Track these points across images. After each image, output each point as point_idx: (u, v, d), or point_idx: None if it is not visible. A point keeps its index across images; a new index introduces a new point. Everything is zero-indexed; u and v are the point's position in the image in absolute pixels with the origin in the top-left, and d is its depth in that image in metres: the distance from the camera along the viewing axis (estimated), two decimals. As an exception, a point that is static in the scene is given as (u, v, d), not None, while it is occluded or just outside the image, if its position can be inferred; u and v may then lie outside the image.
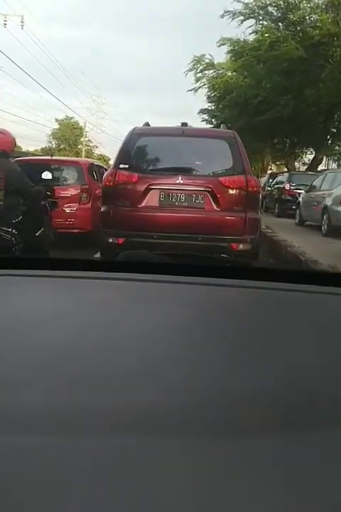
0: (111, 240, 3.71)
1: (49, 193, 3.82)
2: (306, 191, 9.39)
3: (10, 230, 3.18)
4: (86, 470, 0.33)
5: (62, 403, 0.41)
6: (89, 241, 5.37)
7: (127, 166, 3.81)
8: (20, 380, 0.45)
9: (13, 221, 3.25)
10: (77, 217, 4.94)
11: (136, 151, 3.92)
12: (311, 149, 19.06)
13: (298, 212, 9.54)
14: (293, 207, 10.51)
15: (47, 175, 3.98)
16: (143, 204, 3.75)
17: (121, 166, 3.82)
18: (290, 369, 0.51)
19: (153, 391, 0.44)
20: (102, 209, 3.94)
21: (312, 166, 16.37)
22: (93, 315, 0.67)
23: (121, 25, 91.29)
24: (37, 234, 3.63)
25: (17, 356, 0.50)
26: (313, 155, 17.97)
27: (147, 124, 4.61)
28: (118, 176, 3.78)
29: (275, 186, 12.77)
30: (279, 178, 13.25)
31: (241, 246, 3.61)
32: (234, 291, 0.84)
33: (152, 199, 3.75)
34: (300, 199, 9.57)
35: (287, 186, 11.62)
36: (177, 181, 3.72)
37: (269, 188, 13.65)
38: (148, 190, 3.75)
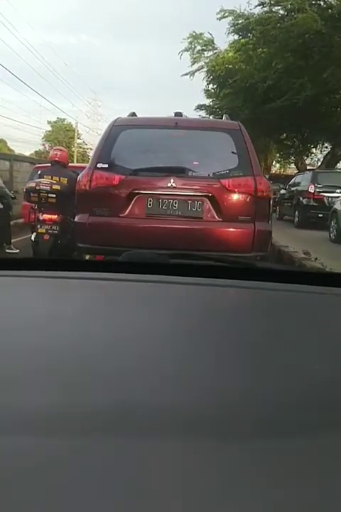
0: (87, 258, 3.72)
1: None
2: None
3: (73, 220, 4.72)
4: (85, 470, 0.39)
5: (60, 404, 0.48)
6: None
7: (106, 166, 3.81)
8: (18, 381, 0.53)
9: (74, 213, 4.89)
10: None
11: (118, 147, 3.91)
12: (326, 145, 19.49)
13: (332, 223, 8.90)
14: (320, 215, 10.26)
15: None
16: (126, 213, 3.76)
17: (99, 165, 3.82)
18: (291, 370, 0.60)
19: (153, 392, 0.52)
20: (76, 219, 3.95)
21: (331, 162, 16.65)
22: (93, 315, 0.80)
23: (118, 30, 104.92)
24: None
25: (14, 357, 0.59)
26: (324, 152, 18.38)
27: (133, 114, 4.63)
28: (95, 178, 3.78)
29: (294, 189, 12.53)
30: (298, 179, 13.03)
31: None
32: (235, 291, 0.97)
33: (137, 207, 3.76)
34: (339, 206, 8.84)
35: (311, 188, 11.14)
36: (169, 185, 3.72)
37: (284, 191, 13.61)
38: (132, 195, 3.76)
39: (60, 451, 0.41)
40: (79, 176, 4.04)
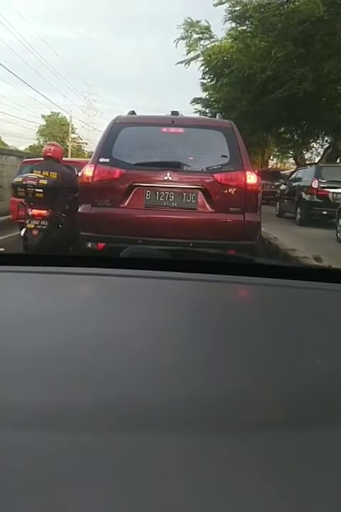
0: (89, 245, 4.19)
1: None
2: None
3: (63, 215, 5.35)
4: (84, 466, 0.40)
5: (60, 400, 0.50)
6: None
7: (108, 161, 4.29)
8: (17, 376, 0.55)
9: (65, 208, 5.38)
10: None
11: (119, 143, 4.37)
12: (326, 138, 19.32)
13: (340, 222, 8.57)
14: (324, 212, 10.11)
15: None
16: (125, 204, 4.24)
17: (101, 160, 4.30)
18: (291, 366, 0.62)
19: (154, 387, 0.54)
20: (79, 209, 4.41)
21: (331, 157, 16.53)
22: (92, 311, 0.82)
23: (115, 23, 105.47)
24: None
25: (14, 352, 0.61)
26: (325, 146, 18.19)
27: (132, 112, 5.13)
28: (97, 172, 4.26)
29: (295, 184, 12.21)
30: (299, 174, 12.74)
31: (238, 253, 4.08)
32: (235, 287, 1.01)
33: (136, 198, 4.24)
34: None
35: (314, 184, 10.77)
36: (166, 178, 4.21)
37: (284, 187, 13.45)
38: (131, 188, 4.24)
39: (60, 446, 0.42)
40: (82, 170, 4.49)
